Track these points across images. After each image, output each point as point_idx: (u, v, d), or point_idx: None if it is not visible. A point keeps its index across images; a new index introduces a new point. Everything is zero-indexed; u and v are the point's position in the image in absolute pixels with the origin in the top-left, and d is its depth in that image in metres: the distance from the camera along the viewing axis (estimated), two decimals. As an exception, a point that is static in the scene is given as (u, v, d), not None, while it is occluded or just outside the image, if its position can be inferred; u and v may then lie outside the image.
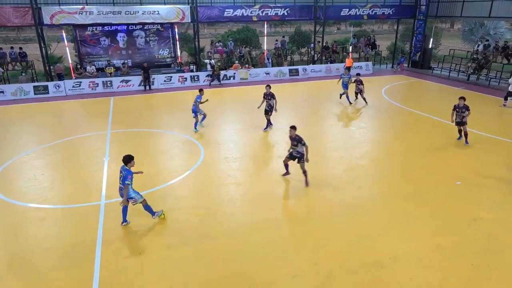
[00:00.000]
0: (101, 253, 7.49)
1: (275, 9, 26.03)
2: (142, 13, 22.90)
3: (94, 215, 8.89)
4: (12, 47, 23.79)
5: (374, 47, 31.09)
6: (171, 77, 23.72)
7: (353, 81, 18.49)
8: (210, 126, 15.55)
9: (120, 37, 24.11)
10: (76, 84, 21.95)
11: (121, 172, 8.10)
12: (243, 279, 6.79)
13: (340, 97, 19.26)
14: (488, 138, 13.62)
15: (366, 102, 18.50)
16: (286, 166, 10.48)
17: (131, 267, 7.15)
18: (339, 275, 6.84)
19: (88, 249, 7.63)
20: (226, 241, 7.87)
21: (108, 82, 22.49)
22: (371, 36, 33.38)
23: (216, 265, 7.17)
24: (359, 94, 18.56)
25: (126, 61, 24.22)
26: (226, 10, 24.93)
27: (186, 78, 24.01)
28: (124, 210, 8.41)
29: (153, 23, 23.90)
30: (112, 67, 23.56)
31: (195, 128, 15.01)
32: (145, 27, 24.26)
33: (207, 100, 15.18)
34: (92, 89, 22.19)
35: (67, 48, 23.93)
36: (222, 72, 24.45)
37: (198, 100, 14.79)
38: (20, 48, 23.83)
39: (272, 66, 26.95)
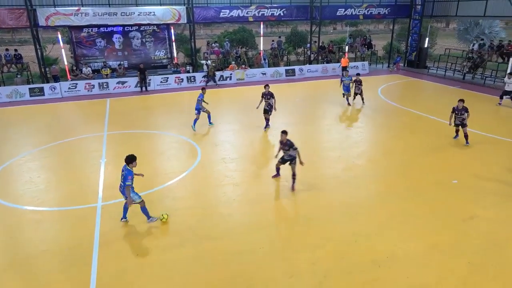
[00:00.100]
0: (98, 255, 7.46)
1: (271, 10, 26.06)
2: (138, 14, 22.85)
3: (91, 217, 8.86)
4: (7, 49, 23.67)
5: (370, 47, 31.17)
6: (168, 78, 23.69)
7: (353, 81, 18.39)
8: (207, 127, 15.54)
9: (116, 38, 24.05)
10: (72, 86, 21.87)
11: (122, 171, 8.11)
12: (242, 279, 6.78)
13: (348, 101, 18.70)
14: (485, 137, 13.67)
15: (363, 102, 18.54)
16: (278, 169, 10.51)
17: (128, 269, 7.12)
18: (337, 274, 6.84)
19: (85, 251, 7.60)
20: (224, 242, 7.86)
21: (104, 84, 22.43)
22: (367, 36, 33.46)
23: (215, 265, 7.15)
24: (359, 94, 18.45)
25: (122, 63, 24.15)
26: (222, 10, 24.93)
27: (182, 79, 23.98)
28: (126, 207, 8.45)
29: (149, 24, 23.86)
30: (108, 69, 23.49)
31: (193, 126, 15.06)
32: (141, 28, 24.21)
33: (207, 103, 15.39)
34: (88, 90, 22.11)
35: (62, 50, 23.84)
36: (219, 73, 24.45)
37: (200, 99, 14.92)
38: (15, 50, 23.71)
39: (268, 67, 26.97)
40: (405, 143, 13.54)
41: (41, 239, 8.08)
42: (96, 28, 23.21)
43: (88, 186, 10.51)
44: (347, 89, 18.35)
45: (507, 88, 17.72)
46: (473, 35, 36.96)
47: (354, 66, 27.00)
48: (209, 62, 24.76)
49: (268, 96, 14.74)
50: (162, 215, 8.54)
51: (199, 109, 15.01)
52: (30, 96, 21.01)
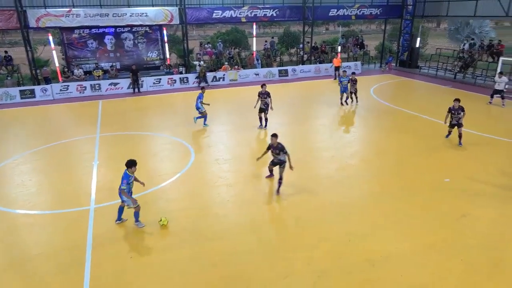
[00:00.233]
0: (92, 258, 7.40)
1: (264, 10, 26.08)
2: (130, 15, 22.73)
3: (84, 219, 8.79)
4: (-3, 51, 23.39)
5: (362, 47, 31.35)
6: (160, 79, 23.59)
7: (349, 80, 18.35)
8: (200, 128, 15.50)
9: (108, 39, 23.88)
10: (63, 88, 21.68)
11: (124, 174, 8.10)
12: (238, 280, 6.77)
13: (346, 102, 18.69)
14: (477, 136, 13.80)
15: (357, 101, 18.62)
16: (271, 170, 10.44)
17: (122, 271, 7.07)
18: (332, 274, 6.86)
19: (78, 254, 7.53)
20: (220, 243, 7.84)
21: (96, 85, 22.26)
22: (359, 36, 33.65)
23: (210, 267, 7.13)
24: (353, 93, 18.49)
25: (114, 64, 23.99)
26: (215, 11, 24.89)
27: (175, 80, 23.89)
28: (120, 209, 8.40)
29: (141, 25, 23.73)
30: (100, 70, 23.32)
31: (204, 123, 15.56)
32: (133, 29, 24.07)
33: (208, 104, 15.65)
34: (80, 92, 21.94)
35: (53, 52, 23.62)
36: (212, 74, 24.39)
37: (201, 99, 15.18)
38: (5, 52, 23.45)
39: (261, 67, 26.98)
40: (398, 143, 13.62)
41: (33, 243, 8.00)
42: (88, 30, 23.02)
43: (81, 188, 10.42)
44: (345, 89, 18.26)
45: (497, 87, 17.92)
46: (463, 35, 37.38)
47: (347, 66, 27.10)
48: (200, 62, 24.69)
49: (265, 95, 14.84)
50: (161, 219, 8.39)
51: (199, 107, 15.25)
52: (21, 98, 20.78)
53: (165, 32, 25.04)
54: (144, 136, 14.83)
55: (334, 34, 48.25)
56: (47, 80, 22.67)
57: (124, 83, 22.73)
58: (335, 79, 25.37)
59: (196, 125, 15.53)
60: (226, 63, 25.95)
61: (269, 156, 9.82)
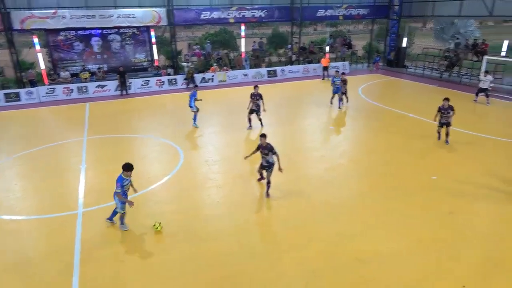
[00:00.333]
0: (80, 264, 7.30)
1: (252, 11, 26.09)
2: (117, 17, 22.51)
3: (72, 224, 8.66)
4: (-20, 54, 22.95)
5: (350, 47, 31.57)
6: (149, 81, 23.42)
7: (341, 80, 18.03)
8: (189, 129, 15.43)
9: (95, 41, 23.59)
10: (49, 91, 21.37)
11: None
12: (229, 281, 6.75)
13: (339, 106, 18.18)
14: (463, 134, 13.99)
15: (347, 101, 18.56)
16: (261, 173, 10.17)
17: (112, 276, 6.99)
18: (323, 274, 6.89)
19: (67, 259, 7.42)
20: (210, 245, 7.80)
21: (83, 88, 21.99)
22: (347, 36, 33.89)
23: (202, 269, 7.09)
24: (343, 93, 18.25)
25: (101, 66, 23.71)
26: (203, 12, 24.81)
27: (163, 82, 23.74)
28: (115, 210, 8.33)
29: (128, 27, 23.52)
30: (87, 72, 23.04)
31: (194, 123, 15.59)
32: (120, 31, 23.83)
33: (200, 99, 15.69)
34: (67, 95, 21.64)
35: (39, 54, 23.23)
36: (200, 75, 24.29)
37: (195, 97, 15.26)
38: (-11, 55, 23.02)
39: (250, 68, 26.98)
40: (386, 142, 13.75)
41: (21, 249, 7.86)
42: (74, 31, 22.72)
43: (68, 192, 10.28)
44: (338, 89, 17.88)
45: (482, 86, 18.23)
46: (449, 34, 37.91)
47: (335, 66, 27.26)
48: (188, 64, 24.58)
49: (257, 97, 14.85)
50: (155, 224, 8.23)
51: (192, 106, 15.34)
52: (6, 101, 20.40)
53: (153, 33, 24.85)
54: (133, 139, 14.70)
55: (322, 34, 48.52)
56: (33, 83, 22.30)
57: (111, 85, 22.50)
58: (323, 79, 25.52)
59: (184, 127, 15.46)
60: (215, 64, 25.88)
61: (258, 157, 9.79)
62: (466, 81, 23.34)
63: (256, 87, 15.12)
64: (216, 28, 38.31)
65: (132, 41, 24.40)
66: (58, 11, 21.34)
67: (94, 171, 11.61)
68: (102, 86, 22.38)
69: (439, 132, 13.17)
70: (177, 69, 25.43)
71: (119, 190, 7.89)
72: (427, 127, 14.12)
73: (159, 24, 24.06)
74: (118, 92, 22.40)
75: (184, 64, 25.10)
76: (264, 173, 9.71)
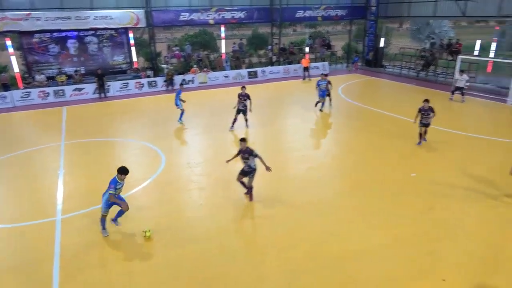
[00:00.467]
0: (60, 272, 7.10)
1: (232, 12, 26.05)
2: (94, 18, 22.07)
3: (50, 231, 8.42)
4: (-50, 57, 22.08)
5: (329, 48, 31.94)
6: (128, 83, 23.06)
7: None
8: (170, 132, 15.28)
9: (71, 43, 23.05)
10: (24, 94, 20.75)
11: None
12: (214, 284, 6.70)
13: (321, 109, 17.65)
14: (440, 131, 14.32)
15: (330, 103, 18.27)
16: (242, 183, 9.52)
17: (94, 284, 6.83)
18: (307, 273, 6.92)
19: (46, 268, 7.20)
20: (193, 248, 7.73)
21: (60, 91, 21.46)
22: (325, 37, 34.27)
23: (185, 273, 7.02)
24: (328, 95, 17.85)
25: (78, 69, 23.19)
26: (182, 14, 24.61)
27: (143, 84, 23.43)
28: (120, 213, 8.20)
29: (105, 29, 23.09)
30: (64, 75, 22.49)
31: (179, 120, 16.00)
32: (97, 33, 23.37)
33: (184, 101, 16.10)
34: (43, 99, 21.07)
35: (12, 57, 22.52)
36: (181, 77, 24.08)
37: (180, 95, 15.71)
38: (-40, 58, 22.18)
39: (231, 69, 26.94)
40: (367, 141, 13.96)
41: (-5, 259, 7.60)
42: (49, 33, 22.14)
43: (46, 199, 10.00)
44: (324, 93, 17.26)
45: (458, 85, 18.76)
46: (424, 34, 38.89)
47: (315, 67, 27.55)
48: (167, 65, 24.34)
49: (244, 97, 14.91)
50: (145, 231, 8.02)
51: (178, 104, 15.73)
52: (-22, 106, 19.72)
53: (131, 35, 24.48)
54: (113, 142, 14.44)
55: (302, 35, 48.92)
56: (6, 87, 21.59)
57: (89, 88, 22.04)
58: (304, 79, 25.71)
59: (165, 129, 15.30)
60: (195, 65, 25.72)
61: (239, 162, 9.67)
62: (441, 80, 23.96)
63: (243, 87, 15.19)
64: (196, 30, 38.09)
65: (110, 43, 23.97)
66: (32, 13, 20.75)
67: (72, 176, 11.35)
68: (80, 89, 21.91)
69: (421, 134, 12.94)
70: (157, 71, 25.14)
71: (112, 192, 7.73)
72: (406, 126, 14.41)
73: (138, 26, 23.74)
74: (97, 95, 21.96)
75: (164, 66, 24.83)
76: (246, 179, 9.39)
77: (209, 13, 25.30)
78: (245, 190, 9.58)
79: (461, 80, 18.64)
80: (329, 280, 6.75)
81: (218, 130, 15.35)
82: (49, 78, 22.34)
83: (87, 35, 23.19)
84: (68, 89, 21.67)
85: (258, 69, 27.04)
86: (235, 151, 9.58)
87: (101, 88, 21.83)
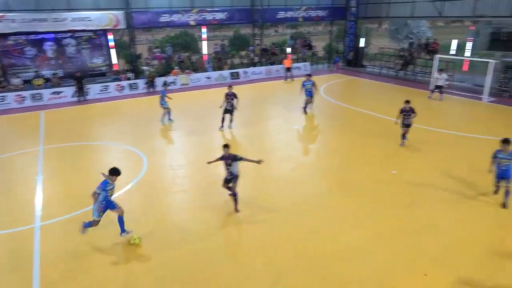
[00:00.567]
0: (40, 281, 6.91)
1: (213, 13, 25.94)
2: (72, 20, 21.60)
3: (29, 239, 8.19)
4: None
5: (310, 48, 32.19)
6: (108, 86, 22.68)
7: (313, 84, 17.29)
8: (152, 134, 15.09)
9: (48, 46, 22.51)
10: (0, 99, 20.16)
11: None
12: (199, 284, 6.67)
13: (305, 110, 17.30)
14: (421, 129, 14.58)
15: (312, 104, 18.31)
16: (228, 188, 9.20)
17: (74, 291, 6.68)
18: (291, 272, 6.95)
19: (25, 277, 7.00)
20: (177, 252, 7.65)
21: (37, 95, 20.92)
22: (307, 38, 34.52)
23: (168, 277, 6.93)
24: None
25: (56, 72, 22.66)
26: (163, 15, 24.36)
27: (124, 87, 23.08)
28: (120, 219, 7.87)
29: (84, 30, 22.63)
30: (41, 79, 21.94)
31: (162, 120, 16.10)
32: (75, 35, 22.88)
33: (171, 98, 16.41)
34: (19, 103, 20.49)
35: (-13, 60, 21.85)
36: (162, 79, 23.82)
37: (164, 94, 15.87)
38: None
39: (213, 70, 26.83)
40: (350, 141, 14.11)
41: (-30, 269, 7.33)
42: (25, 36, 21.56)
43: (24, 206, 9.71)
44: (309, 93, 16.93)
45: (437, 83, 19.22)
46: (403, 34, 39.65)
47: (297, 67, 27.71)
48: (149, 67, 24.06)
49: (231, 96, 14.93)
50: (134, 238, 7.83)
51: (163, 104, 15.86)
52: (-49, 111, 19.03)
53: (110, 37, 24.06)
54: (93, 146, 14.16)
55: (283, 36, 49.14)
56: (-19, 91, 20.93)
57: (68, 91, 21.55)
58: (285, 80, 25.83)
59: (147, 132, 15.10)
60: (177, 67, 25.50)
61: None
62: (420, 78, 24.47)
63: (230, 86, 15.23)
64: (177, 31, 37.82)
65: (88, 45, 23.51)
66: (6, 14, 20.16)
67: (52, 182, 11.08)
68: (58, 93, 21.41)
69: (403, 134, 12.95)
70: (138, 73, 24.81)
71: (98, 192, 7.48)
72: (388, 125, 14.62)
73: (117, 28, 23.36)
74: (76, 99, 21.49)
75: (145, 68, 24.52)
76: (227, 186, 9.07)
77: (190, 14, 25.13)
78: (230, 192, 9.40)
79: (440, 78, 19.10)
80: (314, 277, 6.78)
81: (201, 132, 15.25)
82: (26, 82, 21.75)
83: (64, 37, 22.69)
84: (46, 93, 21.15)
85: (240, 70, 27.03)
86: (218, 153, 9.52)
87: (80, 91, 21.40)
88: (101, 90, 22.43)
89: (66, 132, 15.83)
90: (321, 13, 29.89)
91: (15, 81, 21.31)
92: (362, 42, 30.12)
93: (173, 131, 15.62)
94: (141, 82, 23.47)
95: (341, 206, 9.26)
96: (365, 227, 8.34)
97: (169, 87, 23.78)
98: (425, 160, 11.87)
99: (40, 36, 21.98)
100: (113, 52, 24.30)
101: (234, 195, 9.00)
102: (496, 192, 9.35)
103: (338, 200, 9.60)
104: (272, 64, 28.78)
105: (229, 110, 15.09)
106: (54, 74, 22.42)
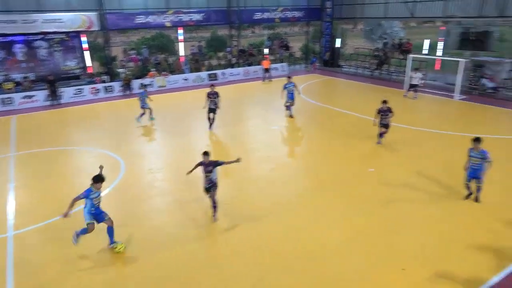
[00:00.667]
0: (13, 291, 6.68)
1: (189, 15, 25.74)
2: (42, 22, 20.96)
3: (1, 249, 7.89)
4: None
5: (287, 49, 32.42)
6: (82, 89, 22.14)
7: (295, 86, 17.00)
8: (129, 138, 14.82)
9: (18, 48, 21.77)
10: (-33, 104, 19.36)
11: None
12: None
13: (291, 114, 16.95)
14: (397, 127, 14.92)
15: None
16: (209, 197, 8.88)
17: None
18: (272, 273, 6.96)
19: (-4, 289, 6.76)
20: (161, 257, 7.54)
21: (7, 99, 20.19)
22: (284, 38, 34.74)
23: (149, 284, 6.82)
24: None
25: (27, 75, 21.93)
26: (138, 16, 23.97)
27: (99, 90, 22.58)
28: (109, 230, 7.63)
29: (55, 32, 22.00)
30: (11, 82, 21.19)
31: (139, 119, 16.23)
32: (47, 37, 22.22)
33: (151, 100, 16.66)
34: (-12, 108, 19.75)
35: (-48, 64, 20.96)
36: (138, 81, 23.45)
37: (144, 95, 16.09)
38: None
39: (190, 72, 26.62)
40: (327, 139, 14.29)
41: None
42: (-8, 38, 20.79)
43: (-4, 215, 9.36)
44: (291, 96, 16.62)
45: (412, 82, 19.72)
46: (377, 35, 40.55)
47: (274, 68, 27.84)
48: (124, 70, 23.65)
49: (214, 95, 14.87)
50: (118, 247, 7.62)
51: (143, 106, 16.11)
52: None
53: (84, 39, 23.49)
54: (68, 151, 13.79)
55: (261, 37, 49.31)
56: None
57: (40, 95, 20.91)
58: (263, 80, 25.91)
59: (124, 135, 14.83)
60: (153, 69, 25.16)
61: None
62: (395, 78, 25.06)
63: (212, 85, 15.19)
64: (153, 32, 37.29)
65: (61, 47, 22.87)
66: (-28, 16, 19.39)
67: (25, 189, 10.72)
68: (30, 97, 20.74)
69: (381, 133, 13.06)
70: (113, 76, 24.32)
71: (81, 197, 7.23)
72: (365, 124, 14.89)
73: (91, 29, 22.84)
74: (48, 102, 20.87)
75: (121, 70, 24.07)
76: (207, 195, 8.77)
77: (165, 16, 24.85)
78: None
79: (415, 77, 19.61)
80: (295, 276, 6.82)
81: (180, 134, 15.11)
82: (-5, 86, 20.96)
83: (35, 40, 22.00)
84: (17, 97, 20.45)
85: (218, 71, 26.94)
86: (198, 156, 9.43)
87: (53, 95, 20.79)
88: (75, 94, 21.87)
89: (39, 137, 15.35)
90: (297, 14, 30.16)
91: (-17, 85, 20.50)
92: (338, 43, 30.58)
93: (151, 134, 15.41)
94: (116, 85, 23.02)
95: (320, 206, 9.36)
96: (344, 225, 8.46)
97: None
98: (402, 159, 12.14)
99: (9, 39, 21.22)
100: (87, 54, 23.71)
101: (213, 205, 8.71)
102: (468, 197, 9.35)
103: (317, 200, 9.69)
104: (249, 65, 28.82)
105: (213, 109, 15.04)
106: (25, 77, 21.70)
